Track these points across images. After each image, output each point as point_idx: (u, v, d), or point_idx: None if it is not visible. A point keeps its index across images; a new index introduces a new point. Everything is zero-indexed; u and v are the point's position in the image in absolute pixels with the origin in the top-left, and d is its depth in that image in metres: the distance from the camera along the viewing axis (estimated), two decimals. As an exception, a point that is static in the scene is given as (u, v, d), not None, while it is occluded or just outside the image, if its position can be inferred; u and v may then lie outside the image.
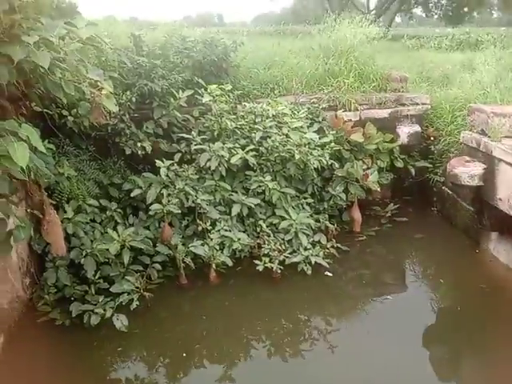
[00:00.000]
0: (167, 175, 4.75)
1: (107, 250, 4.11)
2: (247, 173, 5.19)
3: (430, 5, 28.64)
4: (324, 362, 3.71)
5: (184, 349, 3.79)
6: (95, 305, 3.93)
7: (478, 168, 4.86)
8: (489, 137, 4.94)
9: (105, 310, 3.87)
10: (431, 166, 6.27)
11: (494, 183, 4.75)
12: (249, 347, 3.89)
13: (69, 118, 4.57)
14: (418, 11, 31.78)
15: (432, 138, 6.36)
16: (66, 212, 4.16)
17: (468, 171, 4.85)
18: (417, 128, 6.26)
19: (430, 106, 6.45)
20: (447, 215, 6.00)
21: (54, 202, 4.08)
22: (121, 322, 3.82)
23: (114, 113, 4.56)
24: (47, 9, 3.31)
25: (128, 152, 4.91)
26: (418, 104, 6.40)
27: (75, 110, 4.51)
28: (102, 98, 3.52)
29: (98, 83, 3.55)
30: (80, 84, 3.53)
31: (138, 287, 4.16)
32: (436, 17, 29.89)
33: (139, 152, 4.87)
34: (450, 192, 5.91)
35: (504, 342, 3.89)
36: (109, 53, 4.75)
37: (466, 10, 28.22)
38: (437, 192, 6.24)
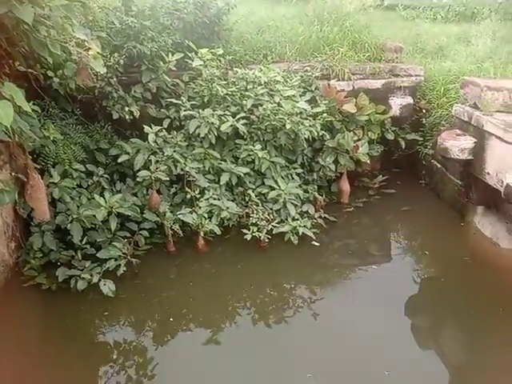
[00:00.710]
0: (155, 141, 4.67)
1: (94, 215, 4.07)
2: (237, 141, 5.13)
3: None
4: (307, 330, 3.79)
5: (171, 314, 3.84)
6: (82, 270, 3.93)
7: (468, 142, 4.87)
8: (481, 110, 4.92)
9: (91, 275, 3.88)
10: (421, 139, 6.26)
11: (483, 157, 4.78)
12: (234, 313, 3.95)
13: (54, 79, 4.41)
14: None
15: (424, 111, 6.32)
16: (51, 176, 4.08)
17: (458, 145, 4.86)
18: (409, 100, 6.21)
19: (423, 78, 6.38)
20: (435, 188, 6.06)
21: (39, 167, 3.99)
22: (108, 287, 3.84)
23: (101, 75, 4.43)
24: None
25: (115, 116, 4.79)
26: (411, 75, 6.32)
27: (61, 70, 4.35)
28: (89, 59, 3.40)
29: (85, 43, 3.41)
30: (66, 43, 3.39)
31: (125, 253, 4.16)
32: (434, -14, 29.20)
33: (127, 117, 4.76)
34: (439, 165, 5.94)
35: (485, 311, 4.00)
36: (96, 11, 4.56)
37: (464, -21, 27.58)
38: (426, 165, 6.26)
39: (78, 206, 4.16)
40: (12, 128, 3.03)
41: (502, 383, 3.34)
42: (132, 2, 4.94)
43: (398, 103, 6.13)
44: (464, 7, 18.36)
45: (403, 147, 6.27)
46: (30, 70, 3.99)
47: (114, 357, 3.43)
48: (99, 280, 3.87)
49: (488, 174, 4.70)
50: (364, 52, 6.35)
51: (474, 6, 17.54)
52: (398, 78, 6.26)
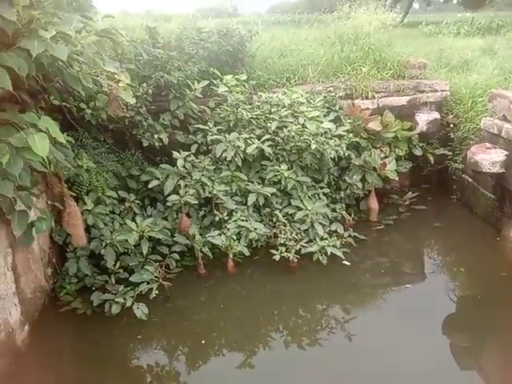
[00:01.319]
0: (184, 166, 4.79)
1: (126, 240, 4.17)
2: (263, 163, 5.19)
3: (450, -11, 27.91)
4: (342, 352, 3.72)
5: (203, 337, 3.85)
6: (115, 294, 4.01)
7: (499, 155, 4.76)
8: (511, 123, 4.83)
9: (125, 299, 3.95)
10: (451, 153, 6.16)
11: (516, 170, 4.66)
12: (267, 336, 3.92)
13: (87, 110, 4.62)
14: (437, -4, 31.02)
15: (452, 125, 6.24)
16: (85, 204, 4.22)
17: (489, 158, 4.76)
18: (436, 115, 6.15)
19: (449, 93, 6.32)
20: (467, 203, 5.90)
21: (74, 194, 4.15)
22: (141, 310, 3.89)
23: (131, 105, 4.62)
24: (64, 4, 3.35)
25: (145, 144, 4.96)
26: (437, 91, 6.27)
27: (93, 102, 4.56)
28: (120, 91, 3.56)
29: (115, 75, 3.58)
30: (97, 77, 3.56)
31: (156, 277, 4.22)
32: (455, 2, 29.12)
33: (156, 144, 4.92)
34: (470, 180, 5.81)
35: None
36: (125, 45, 4.79)
37: (486, -7, 27.38)
38: (456, 180, 6.13)
39: (111, 232, 4.28)
40: (48, 158, 3.17)
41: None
42: (158, 34, 5.17)
43: (424, 119, 6.08)
44: (489, 20, 18.22)
45: (432, 162, 6.18)
46: (64, 104, 4.21)
47: (148, 380, 3.45)
48: (132, 304, 3.93)
49: (522, 186, 4.57)
50: (387, 70, 6.36)
51: (499, 19, 17.39)
52: (423, 93, 6.23)
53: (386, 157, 5.76)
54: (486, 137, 5.26)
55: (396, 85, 6.20)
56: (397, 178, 5.70)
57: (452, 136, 6.17)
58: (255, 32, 5.77)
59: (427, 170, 6.32)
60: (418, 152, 6.09)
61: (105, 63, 3.52)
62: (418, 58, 6.97)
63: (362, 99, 6.01)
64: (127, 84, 3.58)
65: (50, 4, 3.10)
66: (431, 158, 6.15)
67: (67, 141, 4.14)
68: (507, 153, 4.74)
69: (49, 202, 3.99)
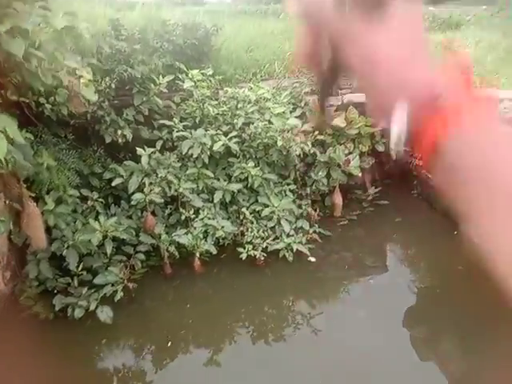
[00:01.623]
0: (149, 163, 4.69)
1: (89, 240, 4.06)
2: (230, 159, 5.16)
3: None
4: (308, 346, 3.81)
5: (170, 337, 3.84)
6: (79, 297, 3.91)
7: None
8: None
9: (89, 302, 3.86)
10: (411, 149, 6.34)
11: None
12: (234, 333, 3.96)
13: (46, 105, 4.42)
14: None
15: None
16: (46, 203, 4.07)
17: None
18: (398, 112, 6.29)
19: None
20: (427, 198, 6.12)
21: (33, 194, 3.99)
22: (105, 313, 3.83)
23: (93, 100, 4.46)
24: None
25: (108, 140, 4.81)
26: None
27: (53, 97, 4.37)
28: (81, 87, 3.43)
29: (76, 71, 3.45)
30: (58, 72, 3.42)
31: (121, 278, 4.15)
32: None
33: (120, 140, 4.78)
34: (429, 175, 6.02)
35: (481, 320, 4.03)
36: (86, 38, 4.59)
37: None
38: (417, 175, 6.34)
39: (74, 232, 4.16)
40: (5, 159, 3.04)
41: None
42: (121, 26, 5.00)
43: (387, 115, 6.22)
44: (448, 15, 18.68)
45: (394, 158, 6.32)
46: (22, 99, 4.02)
47: (114, 383, 3.41)
48: (97, 307, 3.85)
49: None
50: (352, 66, 6.44)
51: (459, 14, 17.89)
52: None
53: (350, 153, 5.87)
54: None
55: (360, 81, 6.28)
56: (360, 174, 5.82)
57: (413, 132, 6.36)
58: (221, 26, 5.68)
59: (389, 166, 6.48)
60: (380, 148, 6.23)
61: (65, 58, 3.38)
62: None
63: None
64: (89, 80, 3.45)
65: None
66: (393, 154, 6.29)
67: (26, 138, 3.97)
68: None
69: (7, 203, 3.82)
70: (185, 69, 5.17)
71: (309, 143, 5.27)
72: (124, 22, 5.31)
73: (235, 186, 4.93)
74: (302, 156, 5.44)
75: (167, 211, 4.81)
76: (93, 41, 4.68)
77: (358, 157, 5.83)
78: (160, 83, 4.96)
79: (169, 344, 3.77)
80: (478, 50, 7.45)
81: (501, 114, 4.93)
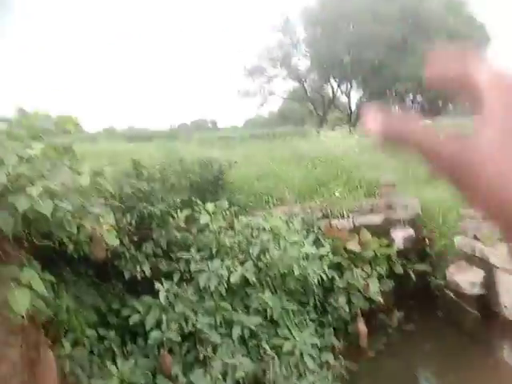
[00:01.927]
0: (166, 297, 4.68)
1: (105, 387, 3.88)
2: (247, 290, 5.13)
3: (407, 101, 30.83)
4: None
5: None
6: None
7: (477, 275, 4.89)
8: (482, 242, 5.04)
9: None
10: (430, 269, 6.27)
11: (496, 290, 4.75)
12: None
13: (69, 246, 4.59)
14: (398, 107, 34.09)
15: (427, 241, 6.45)
16: (63, 347, 3.99)
17: (468, 279, 4.87)
18: (411, 231, 6.38)
19: (420, 210, 6.64)
20: (453, 320, 5.86)
21: (51, 340, 3.93)
22: None
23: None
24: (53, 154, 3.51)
25: (127, 276, 4.87)
26: (407, 208, 6.60)
27: (75, 236, 4.55)
28: (104, 232, 3.60)
29: (100, 218, 3.65)
30: (81, 219, 3.62)
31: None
32: (414, 112, 32.01)
33: (138, 276, 4.84)
34: (453, 296, 5.85)
35: None
36: (110, 181, 4.94)
37: (440, 103, 30.37)
38: (440, 296, 6.16)
39: (89, 378, 3.99)
40: (27, 310, 3.07)
41: None
42: (142, 167, 5.40)
43: (399, 236, 6.30)
44: (448, 128, 19.90)
45: (414, 279, 6.24)
46: (45, 242, 4.19)
47: None
48: None
49: (505, 307, 4.62)
50: (358, 190, 6.73)
51: (456, 125, 19.02)
52: (395, 211, 6.53)
53: (368, 276, 5.81)
54: (461, 255, 5.43)
55: (369, 204, 6.50)
56: (381, 299, 5.67)
57: (429, 251, 6.35)
58: (233, 162, 6.10)
59: (410, 287, 6.34)
60: (398, 269, 6.18)
61: (90, 206, 3.61)
62: (386, 177, 7.44)
63: (338, 219, 6.23)
64: (111, 225, 3.63)
65: (37, 159, 3.24)
66: (412, 275, 6.22)
67: (48, 280, 4.05)
68: (484, 273, 4.87)
69: (22, 350, 3.75)
70: (201, 203, 5.44)
71: (325, 267, 5.27)
72: (144, 157, 5.75)
73: (254, 321, 4.80)
74: (320, 281, 5.40)
75: (184, 348, 4.64)
76: (115, 182, 5.03)
77: (376, 280, 5.76)
78: (178, 217, 5.18)
79: None
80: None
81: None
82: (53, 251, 4.60)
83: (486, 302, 4.90)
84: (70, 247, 4.64)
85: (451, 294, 5.88)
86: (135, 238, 5.14)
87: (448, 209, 6.45)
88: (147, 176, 5.42)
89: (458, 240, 5.43)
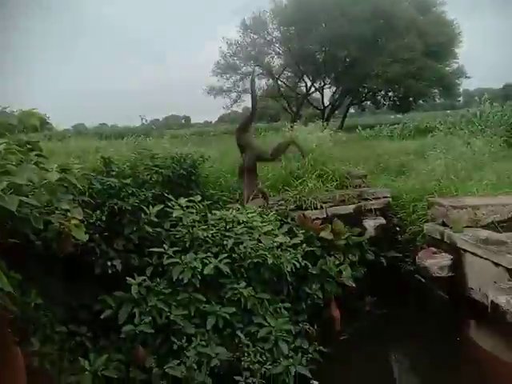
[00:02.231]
0: (139, 292, 4.63)
1: (78, 382, 3.82)
2: (221, 280, 5.13)
3: (379, 97, 31.40)
4: None
5: None
6: None
7: (445, 259, 5.04)
8: (450, 228, 5.19)
9: None
10: (401, 255, 6.43)
11: (463, 273, 4.90)
12: None
13: (36, 243, 4.50)
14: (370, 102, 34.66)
15: (397, 228, 6.61)
16: (32, 345, 3.91)
17: (436, 263, 5.01)
18: (381, 220, 6.52)
19: (390, 199, 6.79)
20: (424, 304, 6.03)
21: (18, 338, 3.84)
22: None
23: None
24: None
25: (98, 271, 4.80)
26: (379, 198, 6.74)
27: (43, 234, 4.47)
28: (72, 228, 3.54)
29: (68, 213, 3.59)
30: (49, 215, 3.56)
31: (110, 422, 3.83)
32: (385, 107, 32.64)
33: (109, 271, 4.78)
34: (423, 280, 6.01)
35: None
36: (79, 178, 4.86)
37: (411, 99, 31.03)
38: (410, 281, 6.31)
39: (60, 373, 3.92)
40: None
41: None
42: (112, 163, 5.34)
43: (371, 224, 6.43)
44: (417, 123, 20.33)
45: (385, 265, 6.38)
46: (11, 240, 4.09)
47: None
48: None
49: (471, 289, 4.77)
50: (331, 182, 6.83)
51: (427, 121, 19.47)
52: (367, 201, 6.67)
53: (341, 264, 5.91)
54: (430, 241, 5.58)
55: (341, 195, 6.61)
56: (354, 285, 5.79)
57: (399, 239, 6.50)
58: (207, 156, 6.09)
59: (382, 273, 6.47)
60: (370, 256, 6.31)
61: (58, 201, 3.55)
62: (357, 166, 7.58)
63: (312, 210, 6.31)
64: (80, 220, 3.58)
65: (0, 155, 3.17)
66: (383, 261, 6.36)
67: (14, 278, 3.96)
68: (452, 257, 5.02)
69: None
70: (173, 198, 5.41)
71: (299, 256, 5.33)
72: (113, 153, 5.69)
73: (228, 310, 4.81)
74: (293, 270, 5.45)
75: (158, 341, 4.61)
76: (84, 179, 4.95)
77: (348, 267, 5.86)
78: (150, 213, 5.14)
79: None
80: (448, 154, 7.96)
81: (479, 219, 5.14)
82: (19, 248, 4.51)
83: (455, 284, 5.05)
84: (38, 244, 4.56)
85: (421, 279, 6.05)
86: (106, 234, 5.08)
87: (418, 198, 6.63)
88: (118, 172, 5.36)
89: (427, 227, 5.58)
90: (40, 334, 4.09)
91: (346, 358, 5.15)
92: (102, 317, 4.52)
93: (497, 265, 4.30)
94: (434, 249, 5.29)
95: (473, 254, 4.66)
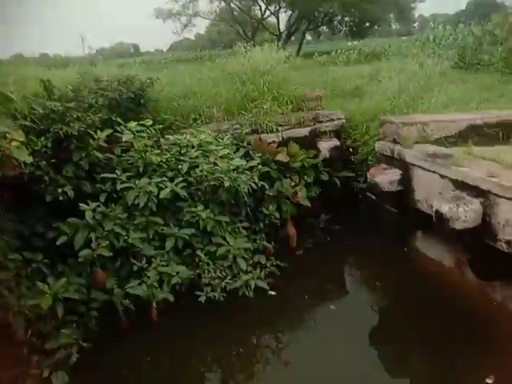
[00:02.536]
0: (94, 217, 4.57)
1: (38, 305, 3.85)
2: (178, 204, 5.15)
3: (335, 23, 30.56)
4: (277, 379, 3.73)
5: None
6: (29, 366, 3.65)
7: (395, 174, 5.23)
8: (401, 145, 5.35)
9: (41, 370, 3.62)
10: (354, 175, 6.64)
11: (411, 187, 5.14)
12: (201, 379, 3.83)
13: (-22, 171, 4.26)
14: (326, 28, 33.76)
15: (351, 149, 6.75)
16: (-15, 272, 3.84)
17: (387, 178, 5.20)
18: (336, 142, 6.62)
19: (344, 121, 6.86)
20: (375, 219, 6.36)
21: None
22: (61, 379, 3.60)
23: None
24: None
25: (49, 199, 4.66)
26: (333, 120, 6.79)
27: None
28: (13, 150, 3.36)
29: (7, 134, 3.39)
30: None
31: (75, 339, 3.93)
32: (342, 33, 31.95)
33: (61, 197, 4.65)
34: (374, 197, 6.28)
35: (439, 328, 4.17)
36: (18, 101, 4.54)
37: (367, 24, 30.46)
38: (362, 199, 6.60)
39: (19, 298, 3.92)
40: None
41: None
42: (53, 86, 4.99)
43: (325, 146, 6.52)
44: (372, 48, 20.18)
45: (338, 185, 6.58)
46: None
47: None
48: (50, 373, 3.62)
49: (418, 201, 5.04)
50: (286, 105, 6.76)
51: (382, 46, 19.38)
52: (322, 123, 6.70)
53: (297, 185, 6.05)
54: (381, 158, 5.76)
55: (296, 117, 6.59)
56: (309, 204, 5.97)
57: (353, 159, 6.68)
58: (155, 78, 5.81)
59: (335, 192, 6.70)
60: (324, 177, 6.47)
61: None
62: (313, 90, 7.51)
63: (267, 133, 6.29)
64: (21, 142, 3.40)
65: None
66: (337, 181, 6.56)
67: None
68: (401, 172, 5.22)
69: None
70: (122, 122, 5.19)
71: (255, 178, 5.38)
72: (57, 81, 5.33)
73: (187, 231, 4.88)
74: (251, 191, 5.54)
75: (118, 264, 4.66)
76: (24, 103, 4.64)
77: (304, 188, 6.01)
78: (98, 138, 4.94)
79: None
80: (402, 76, 8.02)
81: (428, 135, 5.31)
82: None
83: (403, 198, 5.32)
84: (-20, 173, 4.33)
85: (372, 196, 6.32)
86: (54, 161, 4.88)
87: (371, 118, 6.72)
88: (59, 95, 5.04)
89: (379, 144, 5.73)
90: (-7, 263, 4.01)
91: (300, 270, 5.45)
92: (57, 243, 4.47)
93: (442, 177, 4.53)
94: (384, 165, 5.48)
95: (420, 167, 4.87)
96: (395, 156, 5.39)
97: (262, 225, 5.67)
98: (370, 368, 3.83)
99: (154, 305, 4.39)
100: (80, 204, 4.60)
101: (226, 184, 5.09)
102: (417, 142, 5.33)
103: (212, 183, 5.17)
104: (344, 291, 5.21)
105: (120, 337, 4.27)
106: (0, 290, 3.84)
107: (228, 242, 5.01)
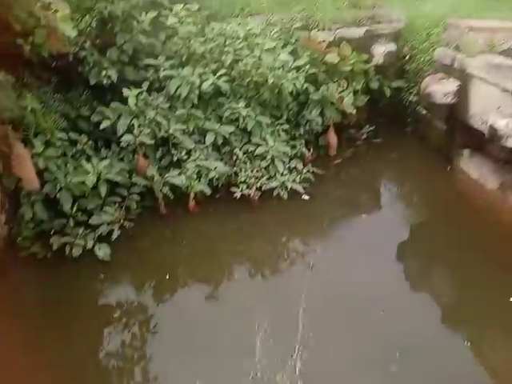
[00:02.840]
0: (136, 104, 4.58)
1: (83, 182, 4.04)
2: (220, 99, 5.05)
3: None
4: (302, 280, 3.88)
5: (167, 272, 3.92)
6: (76, 237, 3.96)
7: (452, 85, 4.85)
8: (463, 53, 4.88)
9: (86, 241, 3.93)
10: (406, 85, 6.22)
11: (467, 100, 4.78)
12: (230, 268, 4.05)
13: (25, 47, 4.23)
14: None
15: (407, 57, 6.24)
16: (34, 147, 4.00)
17: (442, 89, 4.84)
18: (392, 47, 6.10)
19: (404, 24, 6.25)
20: (421, 135, 6.07)
21: (20, 137, 3.91)
22: (103, 251, 3.91)
23: (74, 39, 4.26)
24: None
25: (93, 82, 4.66)
26: (392, 21, 6.19)
27: (31, 38, 4.18)
28: (58, 22, 3.27)
29: (51, 5, 3.28)
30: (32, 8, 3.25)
31: (117, 217, 4.17)
32: None
33: (105, 81, 4.63)
34: (424, 111, 5.93)
35: (471, 251, 4.13)
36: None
37: None
38: (411, 112, 6.24)
39: (65, 175, 4.11)
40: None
41: (491, 316, 3.49)
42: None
43: (380, 51, 6.03)
44: None
45: (388, 96, 6.21)
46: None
47: (116, 317, 3.51)
48: (94, 245, 3.91)
49: (472, 116, 4.71)
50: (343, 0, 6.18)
51: None
52: (379, 24, 6.14)
53: (344, 90, 5.74)
54: (439, 68, 5.31)
55: (351, 15, 6.05)
56: (354, 112, 5.72)
57: (407, 68, 6.20)
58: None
59: (383, 103, 6.36)
60: (374, 85, 6.09)
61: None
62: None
63: (319, 31, 5.85)
64: (66, 13, 3.29)
65: None
66: (387, 91, 6.17)
67: (7, 80, 3.84)
68: (459, 83, 4.83)
69: (-7, 146, 3.75)
70: (168, 4, 4.93)
71: (301, 78, 5.14)
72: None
73: (227, 129, 4.84)
74: (294, 94, 5.33)
75: (159, 153, 4.75)
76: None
77: (351, 94, 5.71)
78: (143, 21, 4.75)
79: (167, 277, 3.85)
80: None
81: (495, 45, 4.78)
82: (8, 53, 4.27)
83: (455, 112, 4.99)
84: (26, 49, 4.30)
85: (422, 111, 5.96)
86: (98, 42, 4.78)
87: (435, 23, 6.08)
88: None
89: (438, 52, 5.24)
90: (42, 139, 4.16)
91: (336, 179, 5.41)
92: (101, 127, 4.56)
93: (505, 90, 4.16)
94: (441, 75, 5.06)
95: (481, 79, 4.47)
96: (455, 66, 4.95)
97: (302, 130, 5.53)
98: (390, 281, 3.88)
99: (192, 195, 4.52)
100: (123, 89, 4.58)
101: (270, 81, 4.90)
102: (482, 52, 4.84)
103: (255, 79, 4.98)
104: (378, 204, 5.17)
105: (158, 221, 4.50)
106: (49, 166, 4.03)
107: (267, 143, 4.96)
